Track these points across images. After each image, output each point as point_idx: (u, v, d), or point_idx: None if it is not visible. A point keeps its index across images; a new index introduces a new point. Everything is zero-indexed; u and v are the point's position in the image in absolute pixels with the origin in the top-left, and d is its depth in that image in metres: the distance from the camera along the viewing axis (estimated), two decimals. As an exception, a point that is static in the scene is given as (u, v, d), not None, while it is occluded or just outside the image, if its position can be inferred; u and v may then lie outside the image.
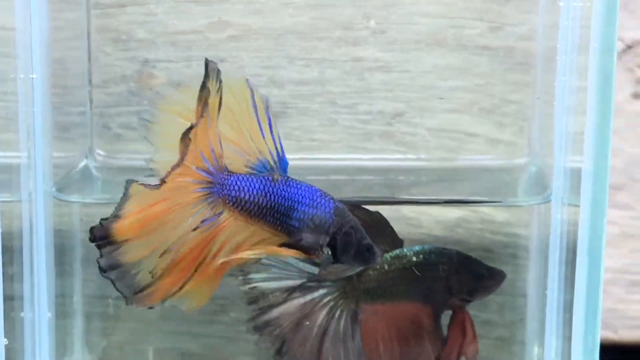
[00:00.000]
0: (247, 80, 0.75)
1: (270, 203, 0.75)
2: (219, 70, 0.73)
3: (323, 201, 0.77)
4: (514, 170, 0.94)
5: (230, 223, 0.74)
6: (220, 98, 0.73)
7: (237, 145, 0.75)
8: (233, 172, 0.75)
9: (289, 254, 0.76)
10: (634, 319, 1.11)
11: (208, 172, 0.73)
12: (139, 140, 0.93)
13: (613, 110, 0.75)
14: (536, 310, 0.92)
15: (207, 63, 0.73)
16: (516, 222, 0.95)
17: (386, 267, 0.86)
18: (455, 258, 0.87)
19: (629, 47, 1.06)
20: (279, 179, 0.76)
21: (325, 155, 0.96)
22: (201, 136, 0.72)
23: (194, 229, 0.73)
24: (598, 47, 0.73)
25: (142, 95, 0.95)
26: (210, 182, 0.73)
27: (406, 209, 0.97)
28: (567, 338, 0.79)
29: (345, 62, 0.94)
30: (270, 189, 0.75)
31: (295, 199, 0.76)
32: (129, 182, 0.72)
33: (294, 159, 0.92)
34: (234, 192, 0.74)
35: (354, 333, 0.84)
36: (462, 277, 0.86)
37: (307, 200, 0.76)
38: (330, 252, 0.77)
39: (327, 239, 0.77)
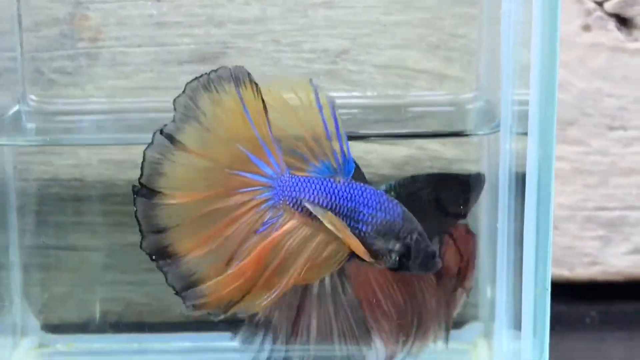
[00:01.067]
0: (310, 80, 0.74)
1: (333, 204, 0.74)
2: (248, 73, 0.73)
3: (391, 205, 0.75)
4: (463, 106, 0.92)
5: (294, 228, 0.73)
6: (263, 101, 0.73)
7: (300, 147, 0.74)
8: (294, 175, 0.74)
9: (359, 252, 0.74)
10: (589, 255, 1.10)
11: (265, 177, 0.73)
12: (73, 85, 0.91)
13: (559, 38, 0.73)
14: (488, 248, 0.91)
15: (234, 71, 0.73)
16: (466, 158, 0.94)
17: None
18: (433, 179, 0.85)
19: (578, -23, 1.05)
20: (342, 181, 0.74)
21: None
22: (251, 142, 0.72)
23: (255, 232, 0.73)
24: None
25: (76, 38, 0.91)
26: (269, 186, 0.73)
27: (354, 148, 0.95)
28: (519, 274, 0.77)
29: (288, -1, 0.92)
30: (332, 189, 0.74)
31: (361, 202, 0.74)
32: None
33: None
34: (294, 192, 0.73)
35: (343, 287, 0.82)
36: (449, 194, 0.84)
37: (374, 203, 0.75)
38: (397, 258, 0.75)
39: (397, 245, 0.75)
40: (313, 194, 0.74)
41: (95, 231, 0.94)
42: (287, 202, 0.74)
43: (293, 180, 0.74)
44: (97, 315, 0.94)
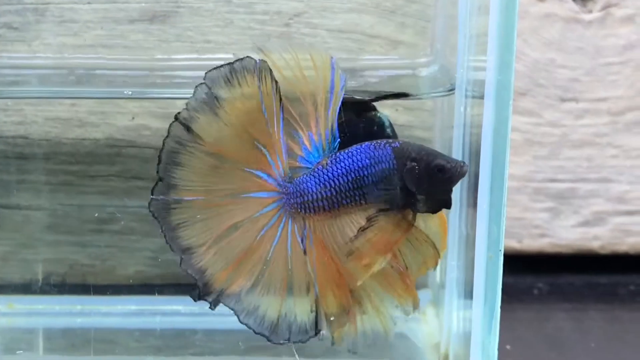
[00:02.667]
0: (331, 58, 0.75)
1: (335, 189, 0.74)
2: (270, 70, 0.74)
3: (379, 152, 0.75)
4: (417, 71, 0.91)
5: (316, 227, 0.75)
6: (280, 100, 0.73)
7: (299, 123, 0.75)
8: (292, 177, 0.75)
9: (401, 238, 0.75)
10: (538, 227, 1.10)
11: (276, 180, 0.75)
12: (20, 40, 0.89)
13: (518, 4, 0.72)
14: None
15: (259, 65, 0.74)
16: (419, 125, 0.93)
17: None
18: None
19: (535, -55, 1.04)
20: (327, 162, 0.74)
21: (221, 57, 0.92)
22: (266, 141, 0.74)
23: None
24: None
25: (22, -7, 0.90)
26: (278, 192, 0.74)
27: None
28: (471, 242, 0.77)
29: (241, -41, 0.90)
30: (326, 175, 0.74)
31: (355, 168, 0.74)
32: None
33: (186, 59, 0.89)
34: (299, 199, 0.74)
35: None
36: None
37: (366, 161, 0.74)
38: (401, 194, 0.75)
39: (400, 183, 0.74)
40: (313, 191, 0.74)
41: (40, 190, 0.92)
42: (295, 208, 0.74)
43: (295, 187, 0.74)
44: (40, 276, 0.93)
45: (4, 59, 0.91)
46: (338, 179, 0.74)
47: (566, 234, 1.10)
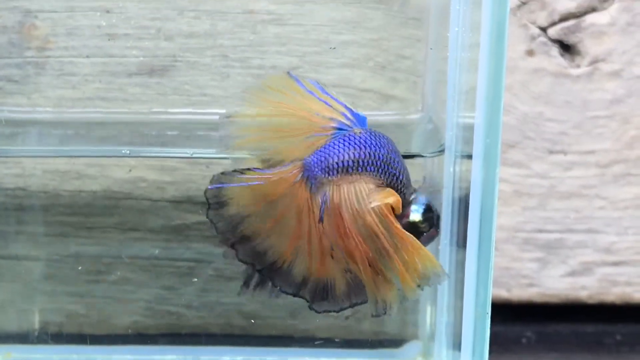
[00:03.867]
0: (288, 72, 0.78)
1: (369, 154, 0.76)
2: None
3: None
4: (408, 126, 0.93)
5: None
6: None
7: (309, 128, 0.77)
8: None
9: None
10: (527, 277, 1.11)
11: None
12: (20, 93, 0.90)
13: (506, 61, 0.74)
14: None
15: None
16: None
17: None
18: None
19: (524, 3, 1.06)
20: (361, 132, 0.76)
21: (217, 111, 0.94)
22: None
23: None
24: (491, 1, 0.71)
25: (24, 47, 0.91)
26: (302, 167, 0.75)
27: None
28: (460, 296, 0.78)
29: (237, 15, 0.92)
30: (354, 141, 0.76)
31: (389, 148, 0.76)
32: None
33: (183, 113, 0.91)
34: (318, 161, 0.76)
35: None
36: None
37: (394, 149, 0.77)
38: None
39: (419, 197, 0.78)
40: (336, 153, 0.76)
41: (38, 241, 0.93)
42: (323, 174, 0.76)
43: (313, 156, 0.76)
44: (37, 326, 0.94)
45: (4, 112, 0.92)
46: (374, 146, 0.76)
47: (554, 283, 1.11)
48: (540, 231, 1.11)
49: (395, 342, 0.95)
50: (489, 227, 0.70)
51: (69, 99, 0.92)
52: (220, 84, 0.93)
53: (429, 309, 0.92)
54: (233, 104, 0.92)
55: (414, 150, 0.92)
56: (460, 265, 0.77)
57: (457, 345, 0.79)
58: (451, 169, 0.78)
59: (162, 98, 0.93)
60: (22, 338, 0.93)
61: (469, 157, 0.74)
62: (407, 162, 0.93)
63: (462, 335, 0.72)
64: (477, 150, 0.70)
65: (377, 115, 0.94)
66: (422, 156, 0.87)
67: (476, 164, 0.70)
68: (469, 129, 0.75)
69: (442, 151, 0.81)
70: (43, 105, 0.92)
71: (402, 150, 0.90)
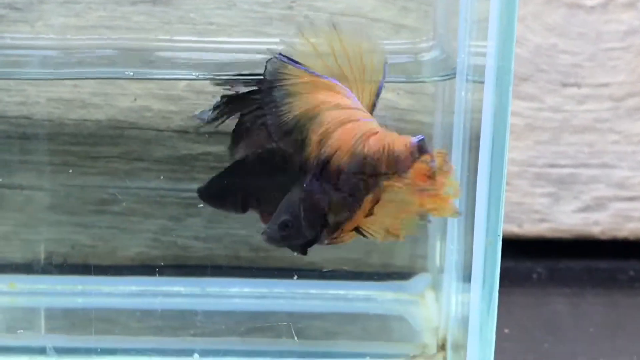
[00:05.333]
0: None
1: None
2: None
3: None
4: (419, 56, 0.91)
5: None
6: None
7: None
8: None
9: None
10: (538, 212, 1.10)
11: None
12: (23, 21, 0.89)
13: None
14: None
15: None
16: (420, 109, 0.93)
17: None
18: None
19: None
20: None
21: (223, 40, 0.92)
22: None
23: None
24: None
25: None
26: None
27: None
28: (470, 226, 0.77)
29: (243, -60, 0.90)
30: None
31: None
32: None
33: (189, 40, 0.89)
34: None
35: None
36: None
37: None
38: None
39: None
40: None
41: (42, 171, 0.92)
42: None
43: None
44: (42, 256, 0.93)
45: (6, 39, 0.90)
46: None
47: (566, 219, 1.10)
48: (553, 166, 1.09)
49: (404, 275, 0.94)
50: (501, 151, 0.68)
51: (72, 27, 0.91)
52: (226, 13, 0.92)
53: (438, 241, 0.91)
54: (239, 33, 0.92)
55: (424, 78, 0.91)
56: (471, 194, 0.76)
57: (467, 277, 0.78)
58: (462, 94, 0.76)
59: (166, 27, 0.91)
60: (27, 268, 0.92)
61: (481, 82, 0.73)
62: (418, 87, 0.92)
63: (473, 266, 0.70)
64: (489, 75, 0.68)
65: (388, 45, 0.92)
66: (433, 81, 0.86)
67: (488, 90, 0.68)
68: (481, 56, 0.74)
69: (452, 76, 0.79)
70: (46, 33, 0.90)
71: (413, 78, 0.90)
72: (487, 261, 0.70)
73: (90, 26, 0.91)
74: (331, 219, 0.74)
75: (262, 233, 0.75)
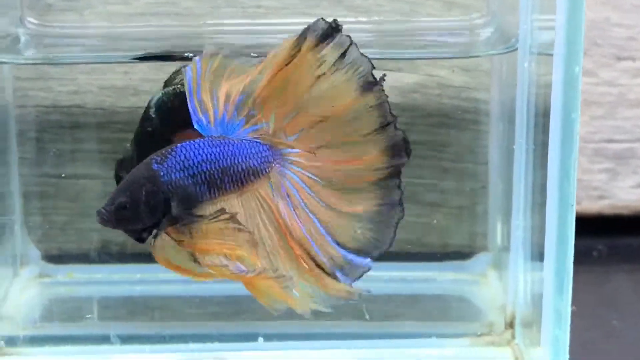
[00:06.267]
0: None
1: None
2: None
3: None
4: (473, 31, 0.90)
5: None
6: None
7: None
8: None
9: None
10: (597, 189, 1.09)
11: None
12: (71, 10, 0.89)
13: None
14: (498, 179, 0.89)
15: None
16: (475, 86, 0.92)
17: None
18: None
19: None
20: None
21: (273, 21, 0.91)
22: None
23: None
24: None
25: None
26: None
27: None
28: (537, 200, 0.76)
29: None
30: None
31: None
32: None
33: (239, 23, 0.88)
34: None
35: None
36: None
37: None
38: None
39: None
40: None
41: (94, 159, 0.92)
42: None
43: None
44: (98, 246, 0.92)
45: (55, 28, 0.90)
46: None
47: (625, 195, 1.09)
48: (610, 141, 1.08)
49: (463, 255, 0.93)
50: (573, 123, 0.67)
51: (120, 14, 0.90)
52: (274, -5, 0.91)
53: (499, 220, 0.90)
54: (288, 15, 0.91)
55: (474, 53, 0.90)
56: (539, 168, 0.75)
57: (535, 254, 0.77)
58: (525, 65, 0.75)
59: (215, 11, 0.90)
60: (83, 258, 0.92)
61: (546, 55, 0.71)
62: (473, 63, 0.90)
63: (546, 239, 0.69)
64: (559, 47, 0.66)
65: (440, 22, 0.91)
66: (492, 54, 0.84)
67: (558, 61, 0.67)
68: (544, 31, 0.73)
69: (512, 49, 0.78)
70: (95, 21, 0.90)
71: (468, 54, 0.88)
72: (561, 235, 0.69)
73: (138, 13, 0.90)
74: (175, 209, 0.71)
75: (97, 213, 0.70)
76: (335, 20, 0.72)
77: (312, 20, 0.90)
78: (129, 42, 0.89)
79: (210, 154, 0.71)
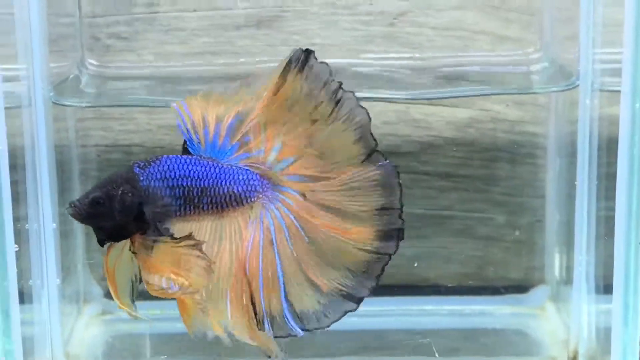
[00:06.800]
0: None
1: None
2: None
3: None
4: (526, 66, 0.91)
5: None
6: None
7: None
8: None
9: None
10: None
11: None
12: (129, 50, 0.90)
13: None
14: (555, 212, 0.90)
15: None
16: (530, 120, 0.92)
17: None
18: None
19: None
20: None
21: (327, 60, 0.92)
22: None
23: None
24: None
25: (132, 4, 0.90)
26: None
27: (413, 110, 0.94)
28: (601, 234, 0.76)
29: (344, -40, 0.90)
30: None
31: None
32: None
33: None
34: None
35: None
36: None
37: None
38: None
39: None
40: None
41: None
42: None
43: None
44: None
45: (113, 69, 0.91)
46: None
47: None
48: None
49: (520, 288, 0.93)
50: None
51: (178, 54, 0.91)
52: (328, 33, 0.92)
53: (556, 252, 0.90)
54: (342, 52, 0.92)
55: (535, 89, 0.90)
56: (603, 202, 0.75)
57: (599, 287, 0.77)
58: (587, 102, 0.75)
59: (270, 49, 0.91)
60: (146, 294, 0.91)
61: (609, 91, 0.72)
62: (529, 98, 0.91)
63: (615, 274, 0.69)
64: (626, 84, 0.67)
65: (492, 56, 0.92)
66: (551, 91, 0.85)
67: (626, 96, 0.67)
68: (608, 64, 0.73)
69: (573, 87, 0.79)
70: (152, 61, 0.91)
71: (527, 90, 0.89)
72: (628, 269, 0.69)
73: (195, 52, 0.91)
74: (148, 215, 0.70)
75: (69, 204, 0.69)
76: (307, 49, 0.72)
77: (365, 56, 0.92)
78: (185, 82, 0.90)
79: (193, 172, 0.70)
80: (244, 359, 0.86)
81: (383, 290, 0.91)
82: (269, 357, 0.73)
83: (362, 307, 0.92)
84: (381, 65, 0.91)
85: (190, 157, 0.71)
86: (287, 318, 0.70)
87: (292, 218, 0.70)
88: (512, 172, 0.93)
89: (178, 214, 0.70)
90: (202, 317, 0.71)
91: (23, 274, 0.76)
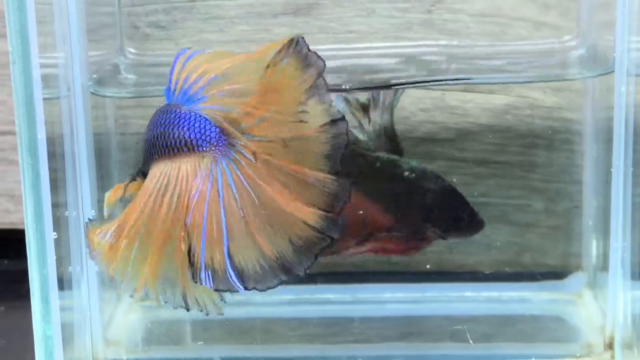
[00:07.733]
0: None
1: None
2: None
3: None
4: (564, 53, 0.91)
5: None
6: None
7: None
8: None
9: None
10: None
11: None
12: (168, 39, 0.91)
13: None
14: (592, 198, 0.90)
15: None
16: (567, 106, 0.92)
17: (378, 164, 0.84)
18: (443, 190, 0.84)
19: None
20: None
21: (364, 46, 0.93)
22: None
23: None
24: None
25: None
26: None
27: (450, 97, 0.94)
28: (636, 224, 0.76)
29: (381, -52, 0.90)
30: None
31: None
32: None
33: (331, 49, 0.90)
34: None
35: None
36: (441, 213, 0.84)
37: None
38: None
39: None
40: None
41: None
42: None
43: None
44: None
45: (152, 57, 0.92)
46: None
47: None
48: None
49: (557, 274, 0.93)
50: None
51: (216, 42, 0.92)
52: (366, 20, 0.92)
53: (594, 239, 0.90)
54: (379, 39, 0.92)
55: (571, 76, 0.90)
56: (638, 187, 0.75)
57: (636, 274, 0.77)
58: (622, 89, 0.75)
59: (308, 37, 0.91)
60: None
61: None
62: (565, 84, 0.91)
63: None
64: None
65: (529, 44, 0.92)
66: (586, 77, 0.85)
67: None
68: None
69: (608, 72, 0.78)
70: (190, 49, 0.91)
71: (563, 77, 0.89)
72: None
73: (233, 40, 0.92)
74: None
75: None
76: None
77: (403, 44, 0.92)
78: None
79: (159, 120, 0.72)
80: (279, 345, 0.88)
81: (421, 276, 0.92)
82: (201, 310, 0.72)
83: (400, 294, 0.93)
84: (418, 53, 0.91)
85: (163, 106, 0.73)
86: (229, 274, 0.69)
87: (242, 178, 0.69)
88: (549, 159, 0.93)
89: (151, 159, 0.73)
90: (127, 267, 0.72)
91: (63, 261, 0.77)
